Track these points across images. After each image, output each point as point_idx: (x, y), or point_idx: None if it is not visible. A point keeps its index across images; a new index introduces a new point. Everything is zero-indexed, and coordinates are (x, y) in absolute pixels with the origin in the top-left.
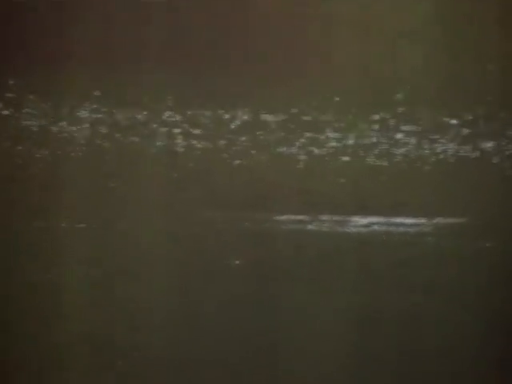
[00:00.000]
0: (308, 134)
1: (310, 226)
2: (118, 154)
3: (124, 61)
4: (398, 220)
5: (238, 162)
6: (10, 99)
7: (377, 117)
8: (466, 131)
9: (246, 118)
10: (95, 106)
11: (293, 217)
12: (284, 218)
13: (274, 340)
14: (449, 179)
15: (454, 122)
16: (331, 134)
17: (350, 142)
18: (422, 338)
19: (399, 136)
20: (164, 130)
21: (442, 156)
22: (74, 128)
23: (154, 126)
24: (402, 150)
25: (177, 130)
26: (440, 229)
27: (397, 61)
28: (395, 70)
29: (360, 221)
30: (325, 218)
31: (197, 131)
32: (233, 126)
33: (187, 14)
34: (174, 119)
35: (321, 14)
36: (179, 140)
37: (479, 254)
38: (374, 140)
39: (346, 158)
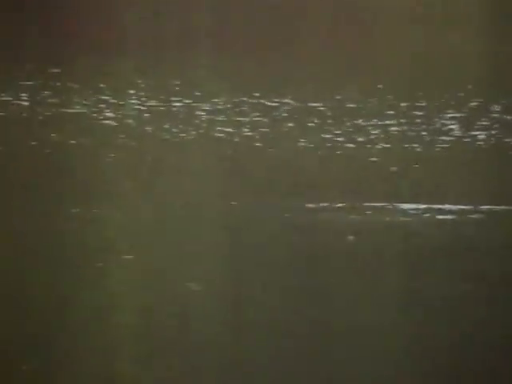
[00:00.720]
0: (350, 122)
1: (353, 215)
2: (161, 142)
3: (172, 49)
4: (446, 207)
5: (277, 150)
6: (57, 88)
7: (422, 103)
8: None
9: (289, 104)
10: (142, 93)
11: (336, 205)
12: (326, 205)
13: (329, 332)
14: (495, 167)
15: (497, 108)
16: (374, 121)
17: (393, 129)
18: (473, 326)
19: (443, 123)
20: (207, 117)
21: (484, 144)
22: (120, 116)
23: (196, 113)
24: (446, 138)
25: (220, 118)
26: (488, 216)
27: (442, 48)
28: (439, 56)
29: (409, 207)
30: (372, 204)
31: (240, 118)
32: (276, 114)
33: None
34: (218, 107)
35: (370, 5)
36: (221, 128)
37: None
38: (418, 128)
39: (388, 146)
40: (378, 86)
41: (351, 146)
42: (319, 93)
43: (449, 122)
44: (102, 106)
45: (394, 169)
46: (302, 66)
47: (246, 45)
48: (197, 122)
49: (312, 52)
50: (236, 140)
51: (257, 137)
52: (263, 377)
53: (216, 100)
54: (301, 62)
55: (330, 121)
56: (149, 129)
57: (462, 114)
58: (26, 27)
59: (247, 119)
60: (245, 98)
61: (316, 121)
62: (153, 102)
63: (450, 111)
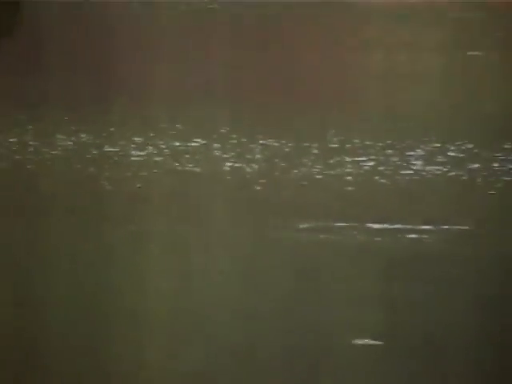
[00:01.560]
0: (333, 159)
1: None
2: (193, 177)
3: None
4: (413, 227)
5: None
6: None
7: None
8: (458, 157)
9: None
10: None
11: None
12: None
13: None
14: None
15: (452, 148)
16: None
17: (381, 165)
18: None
19: (409, 159)
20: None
21: (440, 176)
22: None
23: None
24: (410, 171)
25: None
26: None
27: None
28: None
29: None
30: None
31: (247, 156)
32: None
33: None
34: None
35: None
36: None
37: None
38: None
39: (377, 178)
40: (355, 131)
41: (332, 177)
42: (309, 135)
43: (413, 159)
44: (133, 146)
45: (366, 195)
46: (298, 114)
47: (253, 96)
48: (211, 158)
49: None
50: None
51: (258, 170)
52: None
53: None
54: (297, 110)
55: (313, 157)
56: (175, 164)
57: (423, 153)
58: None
59: (250, 156)
60: (247, 139)
61: (303, 159)
62: (176, 143)
63: (413, 152)
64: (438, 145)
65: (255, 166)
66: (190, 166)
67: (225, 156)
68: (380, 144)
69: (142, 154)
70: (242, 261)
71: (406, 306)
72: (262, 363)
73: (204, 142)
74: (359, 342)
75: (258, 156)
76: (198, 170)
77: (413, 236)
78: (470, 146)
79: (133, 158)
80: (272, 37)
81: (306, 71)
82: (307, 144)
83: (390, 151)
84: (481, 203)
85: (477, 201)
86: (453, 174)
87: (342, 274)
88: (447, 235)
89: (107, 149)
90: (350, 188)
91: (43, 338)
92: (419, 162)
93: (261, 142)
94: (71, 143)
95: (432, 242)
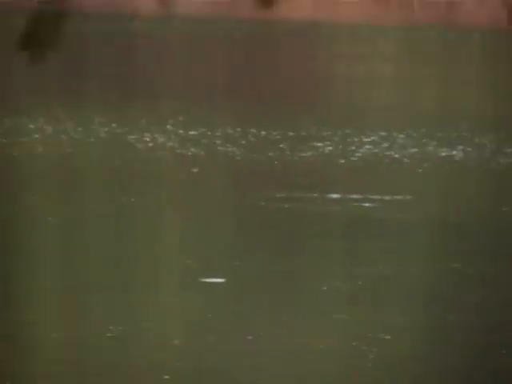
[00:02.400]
0: (305, 145)
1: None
2: (195, 159)
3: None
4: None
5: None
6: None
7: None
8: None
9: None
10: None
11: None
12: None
13: None
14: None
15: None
16: (318, 144)
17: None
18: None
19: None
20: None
21: (391, 156)
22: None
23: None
24: (362, 153)
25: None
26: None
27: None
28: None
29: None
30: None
31: (242, 141)
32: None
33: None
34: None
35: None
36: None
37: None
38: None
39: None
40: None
41: (301, 158)
42: (285, 126)
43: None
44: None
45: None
46: (278, 111)
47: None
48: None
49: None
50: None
51: (244, 153)
52: None
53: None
54: (279, 108)
55: (288, 143)
56: (182, 149)
57: (374, 139)
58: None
59: (244, 141)
60: (240, 128)
61: (281, 144)
62: (180, 131)
63: (368, 139)
64: (385, 133)
65: (242, 150)
66: (193, 150)
67: (219, 142)
68: (339, 133)
69: (151, 140)
70: (224, 221)
71: (359, 258)
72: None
73: (204, 130)
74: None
75: (244, 142)
76: (201, 153)
77: (365, 204)
78: (405, 134)
79: (149, 144)
80: (259, 50)
81: (284, 79)
82: (283, 132)
83: (348, 139)
84: (417, 179)
85: (414, 177)
86: (397, 156)
87: (308, 232)
88: (392, 204)
89: (130, 136)
90: (314, 166)
91: None
92: (371, 147)
93: (251, 130)
94: (104, 132)
95: (379, 208)
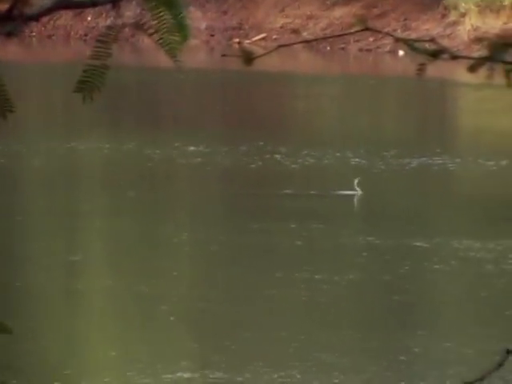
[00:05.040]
0: None
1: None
2: (184, 167)
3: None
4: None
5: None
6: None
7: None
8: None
9: None
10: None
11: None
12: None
13: None
14: None
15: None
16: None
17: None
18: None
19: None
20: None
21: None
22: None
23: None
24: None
25: None
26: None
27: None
28: None
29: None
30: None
31: None
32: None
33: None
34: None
35: None
36: None
37: None
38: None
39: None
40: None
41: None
42: (254, 144)
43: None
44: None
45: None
46: (250, 132)
47: None
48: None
49: None
50: None
51: (221, 160)
52: None
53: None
54: (250, 130)
55: (248, 152)
56: (187, 161)
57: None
58: None
59: (218, 154)
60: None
61: (255, 156)
62: (190, 147)
63: (315, 152)
64: (329, 150)
65: (221, 157)
66: (191, 158)
67: (204, 151)
68: (295, 148)
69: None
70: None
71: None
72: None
73: (198, 143)
74: None
75: (229, 154)
76: (182, 161)
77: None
78: (340, 152)
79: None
80: (243, 92)
81: (261, 110)
82: (257, 147)
83: (303, 152)
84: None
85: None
86: (332, 164)
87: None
88: (334, 198)
89: (154, 151)
90: (273, 169)
91: None
92: (316, 160)
93: (224, 149)
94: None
95: (320, 202)
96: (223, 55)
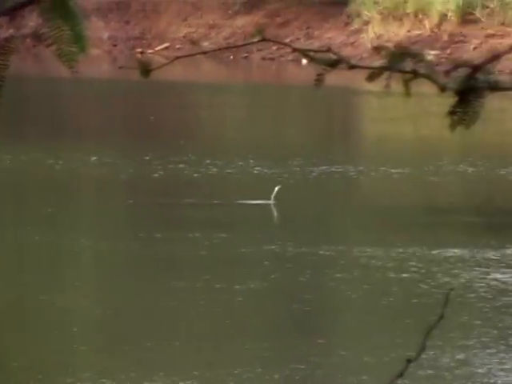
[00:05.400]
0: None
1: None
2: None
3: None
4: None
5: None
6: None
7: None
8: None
9: None
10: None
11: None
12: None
13: None
14: None
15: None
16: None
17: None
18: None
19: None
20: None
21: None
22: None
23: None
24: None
25: None
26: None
27: None
28: None
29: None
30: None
31: None
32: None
33: None
34: None
35: None
36: None
37: None
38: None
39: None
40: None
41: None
42: (203, 154)
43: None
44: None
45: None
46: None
47: None
48: None
49: None
50: None
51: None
52: None
53: None
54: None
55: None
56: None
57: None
58: None
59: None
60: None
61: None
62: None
63: (220, 161)
64: (232, 159)
65: (124, 167)
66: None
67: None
68: (198, 156)
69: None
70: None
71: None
72: None
73: (101, 154)
74: None
75: (136, 164)
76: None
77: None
78: (244, 161)
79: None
80: (146, 102)
81: (167, 120)
82: (165, 156)
83: (207, 161)
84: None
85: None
86: (234, 173)
87: None
88: (237, 208)
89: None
90: (161, 181)
91: None
92: (218, 168)
93: (127, 159)
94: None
95: (223, 211)
96: (120, 67)
